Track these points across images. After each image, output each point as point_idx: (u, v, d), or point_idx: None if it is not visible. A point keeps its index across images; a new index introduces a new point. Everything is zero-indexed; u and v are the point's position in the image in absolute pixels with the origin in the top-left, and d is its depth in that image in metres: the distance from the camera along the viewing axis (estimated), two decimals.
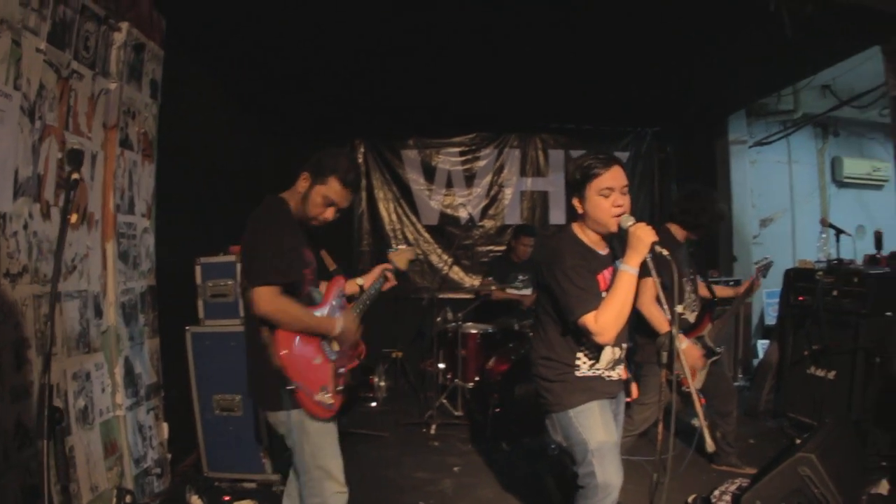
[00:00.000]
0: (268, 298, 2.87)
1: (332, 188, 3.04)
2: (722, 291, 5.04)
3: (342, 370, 3.18)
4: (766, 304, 8.20)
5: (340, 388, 3.13)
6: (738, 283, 5.37)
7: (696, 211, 4.56)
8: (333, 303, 3.22)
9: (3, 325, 3.04)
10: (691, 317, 4.56)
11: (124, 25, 3.97)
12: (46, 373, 1.99)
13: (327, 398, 3.04)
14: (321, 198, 3.05)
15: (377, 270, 3.57)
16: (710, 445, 3.00)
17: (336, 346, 3.15)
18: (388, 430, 6.34)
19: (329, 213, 3.11)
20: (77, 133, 3.62)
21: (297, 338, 3.00)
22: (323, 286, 3.29)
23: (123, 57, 4.00)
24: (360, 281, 3.55)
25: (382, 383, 7.55)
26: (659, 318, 4.16)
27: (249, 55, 5.84)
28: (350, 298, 3.46)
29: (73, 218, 2.17)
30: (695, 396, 3.05)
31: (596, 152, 3.07)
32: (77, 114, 3.63)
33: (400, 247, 3.84)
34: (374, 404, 7.31)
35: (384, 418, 6.78)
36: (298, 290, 3.07)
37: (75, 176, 2.25)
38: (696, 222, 4.57)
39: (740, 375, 7.41)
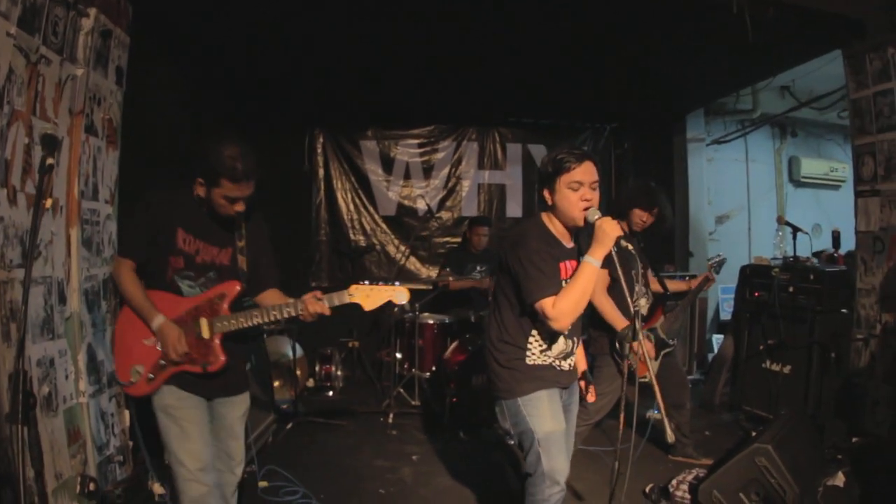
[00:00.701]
0: (115, 266, 3.14)
1: (227, 188, 2.93)
2: (675, 286, 5.17)
3: (164, 364, 3.03)
4: (721, 299, 8.42)
5: (152, 376, 3.03)
6: (693, 277, 5.49)
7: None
8: (206, 301, 3.10)
9: None
10: (644, 309, 4.68)
11: (92, 11, 3.92)
12: (20, 358, 2.00)
13: (133, 376, 3.03)
14: (222, 199, 2.96)
15: (307, 295, 3.08)
16: (670, 436, 3.10)
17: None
18: (346, 419, 6.37)
19: (239, 207, 3.01)
20: (44, 118, 3.58)
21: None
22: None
23: (91, 43, 3.96)
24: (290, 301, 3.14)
25: (339, 373, 7.59)
26: (610, 311, 4.29)
27: (213, 45, 5.82)
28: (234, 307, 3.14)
29: (48, 203, 2.17)
30: (655, 385, 3.15)
31: (570, 146, 3.15)
32: (44, 99, 3.58)
33: (392, 284, 3.13)
34: (330, 394, 7.34)
35: (342, 407, 6.80)
36: (161, 274, 3.08)
37: (50, 161, 2.26)
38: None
39: (695, 369, 7.61)
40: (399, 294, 3.09)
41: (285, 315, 3.06)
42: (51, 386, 3.63)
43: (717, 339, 7.97)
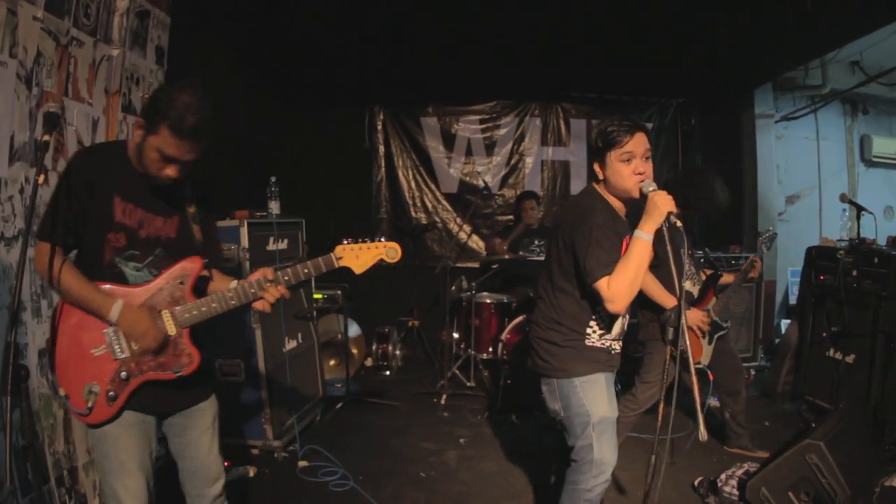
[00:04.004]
0: (38, 256, 2.43)
1: (165, 140, 2.30)
2: (726, 278, 4.88)
3: (127, 375, 2.45)
4: (791, 282, 8.02)
5: (112, 393, 2.43)
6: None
7: (689, 189, 4.41)
8: (162, 288, 2.52)
9: None
10: (694, 290, 4.47)
11: None
12: (13, 330, 1.99)
13: (88, 399, 2.42)
14: (155, 152, 2.34)
15: (257, 274, 2.60)
16: (702, 434, 2.90)
17: (133, 344, 2.47)
18: (400, 400, 6.35)
19: (170, 171, 2.39)
20: (77, 99, 3.63)
21: (76, 314, 2.45)
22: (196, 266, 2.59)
23: (126, 24, 3.99)
24: (233, 284, 2.60)
25: (398, 352, 7.58)
26: (658, 291, 4.08)
27: (263, 22, 5.80)
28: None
29: (41, 179, 2.13)
30: (694, 377, 2.94)
31: (620, 117, 2.96)
32: (77, 80, 3.63)
33: (379, 240, 2.64)
34: (387, 373, 7.34)
35: (397, 388, 6.81)
36: (96, 258, 2.47)
37: (45, 138, 2.21)
38: (685, 202, 4.38)
39: (761, 355, 7.28)
40: (390, 250, 2.61)
41: (245, 301, 2.57)
42: None
43: (785, 323, 7.59)
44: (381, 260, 2.61)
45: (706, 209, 4.49)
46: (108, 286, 2.45)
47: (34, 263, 2.47)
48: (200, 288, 2.66)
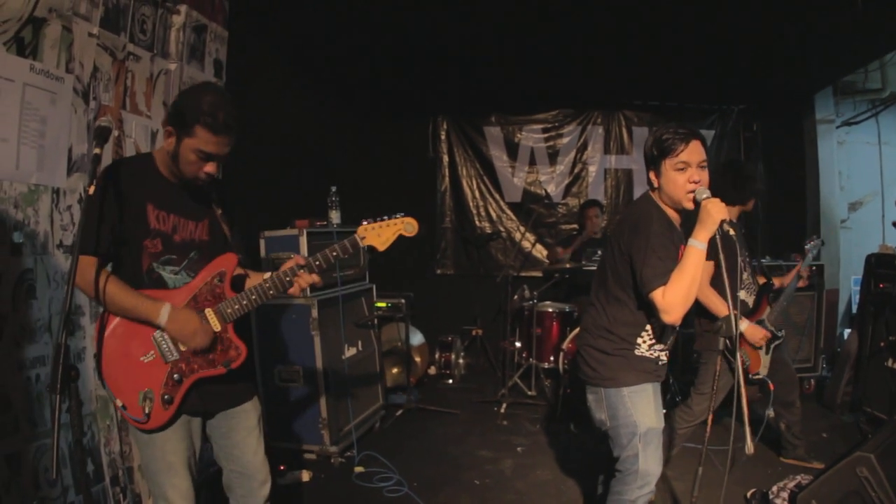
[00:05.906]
0: (79, 270, 2.36)
1: (202, 139, 2.42)
2: (776, 281, 4.75)
3: (179, 376, 2.52)
4: (853, 290, 7.70)
5: (168, 397, 2.49)
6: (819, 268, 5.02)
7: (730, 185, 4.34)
8: (202, 288, 2.60)
9: (57, 293, 3.22)
10: (749, 300, 4.33)
11: (183, 8, 4.07)
12: (63, 332, 2.05)
13: (145, 406, 2.46)
14: (193, 153, 2.45)
15: (290, 262, 2.68)
16: (749, 447, 2.81)
17: (182, 346, 2.52)
18: (460, 408, 6.35)
19: (210, 168, 2.51)
20: (135, 112, 3.77)
21: (121, 324, 2.48)
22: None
23: (183, 38, 4.12)
24: (267, 275, 2.70)
25: (461, 361, 7.60)
26: (716, 303, 3.98)
27: (323, 33, 5.89)
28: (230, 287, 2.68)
29: (91, 189, 2.22)
30: (743, 390, 2.85)
31: (675, 125, 2.91)
32: (135, 93, 3.76)
33: (397, 217, 2.68)
34: (450, 381, 7.36)
35: (459, 396, 6.84)
36: (135, 266, 2.53)
37: (97, 151, 2.31)
38: (732, 197, 4.31)
39: (823, 366, 7.00)
40: (407, 225, 2.67)
41: (282, 289, 2.64)
42: None
43: (847, 333, 7.29)
44: (401, 235, 2.67)
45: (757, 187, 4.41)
46: (151, 292, 2.51)
47: (76, 278, 2.32)
48: (238, 286, 2.76)
